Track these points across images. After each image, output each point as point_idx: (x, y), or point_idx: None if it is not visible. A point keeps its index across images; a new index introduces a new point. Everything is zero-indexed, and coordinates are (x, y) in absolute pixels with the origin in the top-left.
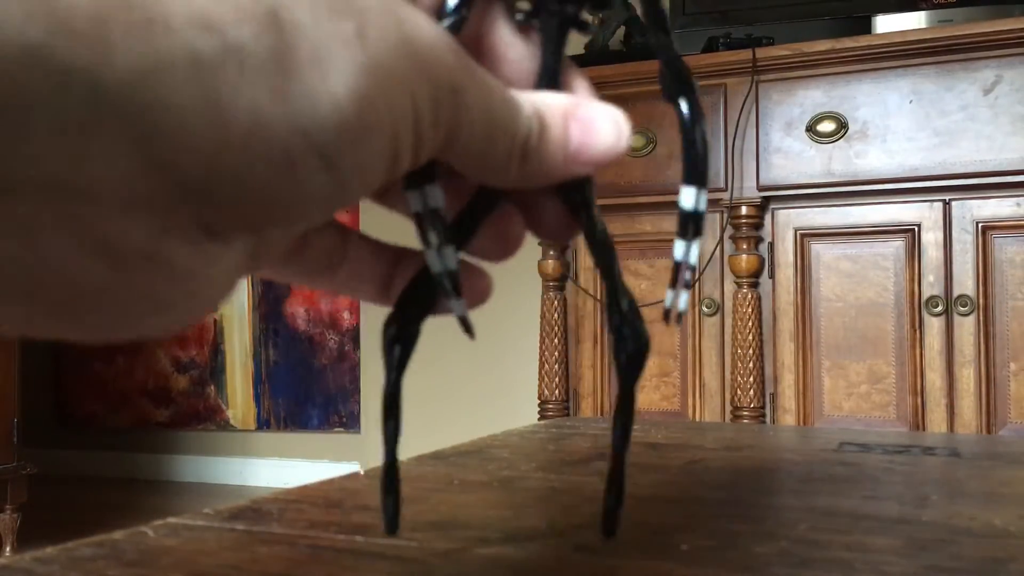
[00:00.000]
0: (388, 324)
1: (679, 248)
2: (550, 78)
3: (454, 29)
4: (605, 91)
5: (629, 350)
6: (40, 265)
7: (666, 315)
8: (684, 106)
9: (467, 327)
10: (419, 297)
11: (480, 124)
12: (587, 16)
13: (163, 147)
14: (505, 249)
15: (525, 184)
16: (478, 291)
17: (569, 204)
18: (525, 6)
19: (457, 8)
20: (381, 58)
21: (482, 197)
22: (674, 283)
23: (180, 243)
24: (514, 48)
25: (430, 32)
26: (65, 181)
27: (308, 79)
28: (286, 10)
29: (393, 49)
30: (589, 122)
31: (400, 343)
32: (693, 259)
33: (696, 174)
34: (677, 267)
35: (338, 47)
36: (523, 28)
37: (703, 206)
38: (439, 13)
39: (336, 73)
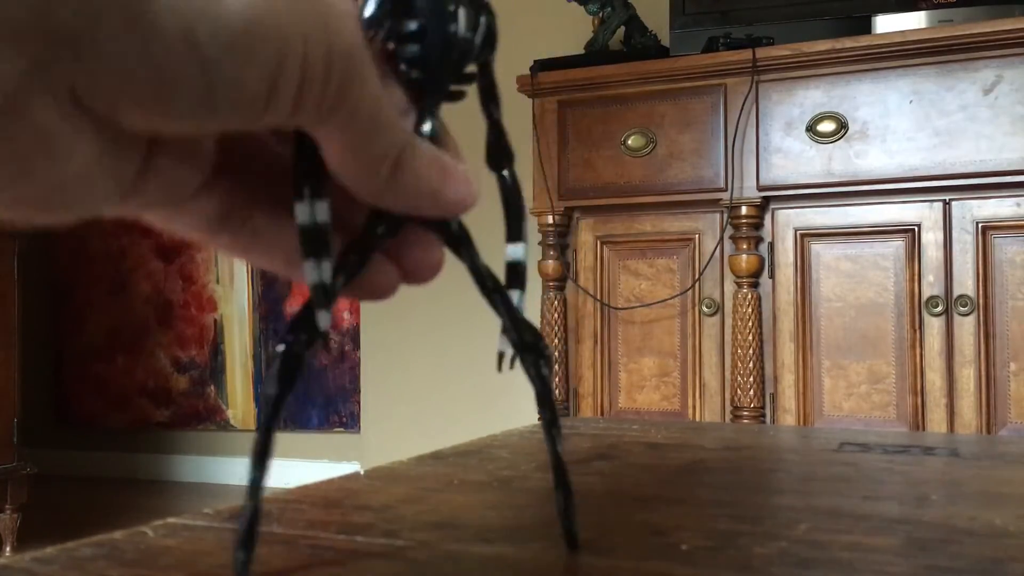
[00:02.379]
0: (279, 345)
1: (515, 296)
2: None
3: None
4: (605, 91)
5: (543, 364)
6: None
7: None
8: (507, 175)
9: (325, 341)
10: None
11: (367, 110)
12: (461, 88)
13: (47, 2)
14: (376, 293)
15: (389, 201)
16: (434, 261)
17: (450, 241)
18: (416, 75)
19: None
20: None
21: (365, 234)
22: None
23: (48, 103)
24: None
25: (344, 4)
26: None
27: None
28: None
29: None
30: (450, 172)
31: (285, 369)
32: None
33: (522, 232)
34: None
35: None
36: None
37: (525, 259)
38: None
39: None
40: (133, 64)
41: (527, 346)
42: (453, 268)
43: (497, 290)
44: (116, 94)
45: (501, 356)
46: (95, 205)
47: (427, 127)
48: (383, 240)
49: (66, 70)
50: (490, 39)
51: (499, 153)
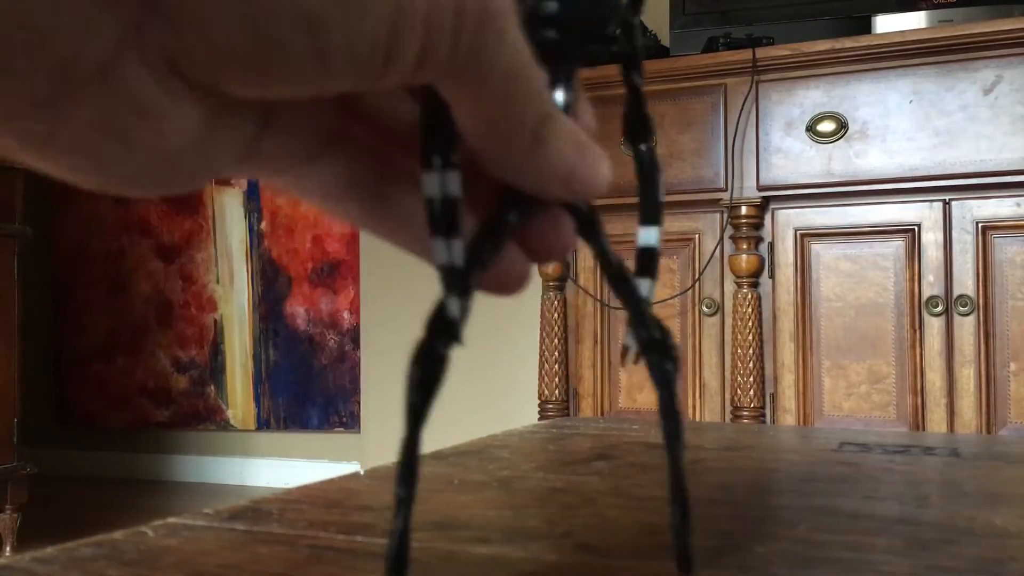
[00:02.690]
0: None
1: (645, 286)
2: (564, 110)
3: None
4: (605, 91)
5: (669, 365)
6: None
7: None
8: (645, 150)
9: (458, 334)
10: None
11: (505, 69)
12: (600, 52)
13: None
14: (508, 285)
15: (524, 177)
16: (561, 246)
17: (579, 224)
18: (553, 35)
19: None
20: None
21: (497, 219)
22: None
23: (142, 72)
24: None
25: None
26: None
27: None
28: None
29: None
30: (588, 151)
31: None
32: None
33: (658, 215)
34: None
35: None
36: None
37: (659, 244)
38: None
39: None
40: (232, 26)
41: (653, 344)
42: None
43: (627, 281)
44: (216, 60)
45: (625, 350)
46: (205, 175)
47: (561, 96)
48: (516, 225)
49: (160, 36)
50: None
51: (638, 125)
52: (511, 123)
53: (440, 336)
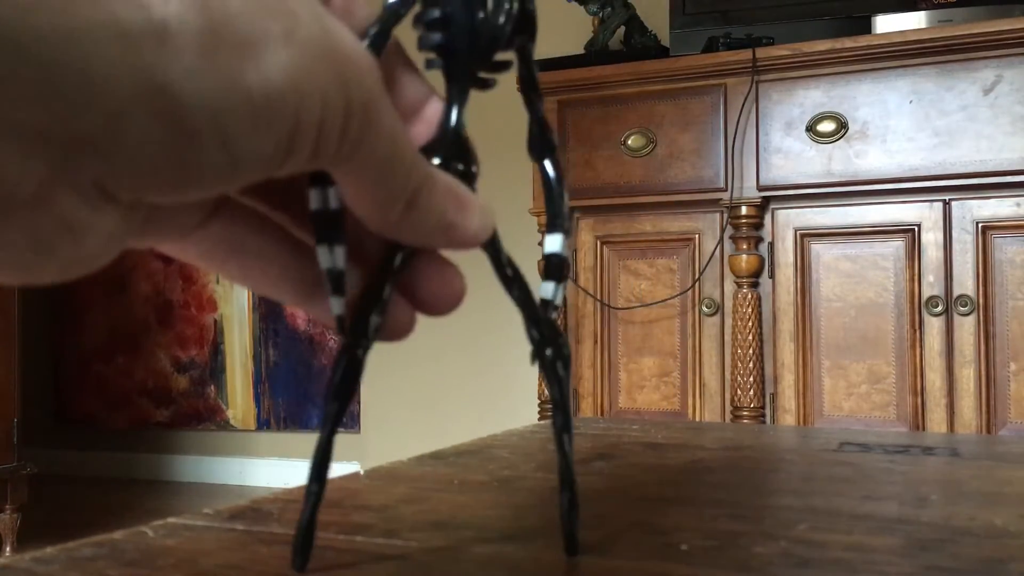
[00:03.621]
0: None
1: (549, 288)
2: (455, 132)
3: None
4: (605, 91)
5: (559, 364)
6: None
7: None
8: (549, 164)
9: (341, 326)
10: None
11: (383, 150)
12: (488, 76)
13: (72, 104)
14: (393, 332)
15: (403, 235)
16: (453, 292)
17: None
18: (432, 57)
19: (375, 37)
20: (301, 60)
21: (383, 268)
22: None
23: (72, 197)
24: (414, 90)
25: (354, 48)
26: None
27: (228, 65)
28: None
29: (315, 54)
30: (465, 205)
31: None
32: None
33: (561, 223)
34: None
35: (264, 41)
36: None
37: (563, 250)
38: (360, 35)
39: (255, 64)
40: (158, 155)
41: (544, 343)
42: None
43: (515, 281)
44: (142, 182)
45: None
46: (104, 261)
47: (453, 118)
48: (400, 273)
49: (90, 168)
50: (526, 24)
51: (541, 141)
52: (387, 194)
53: (361, 341)
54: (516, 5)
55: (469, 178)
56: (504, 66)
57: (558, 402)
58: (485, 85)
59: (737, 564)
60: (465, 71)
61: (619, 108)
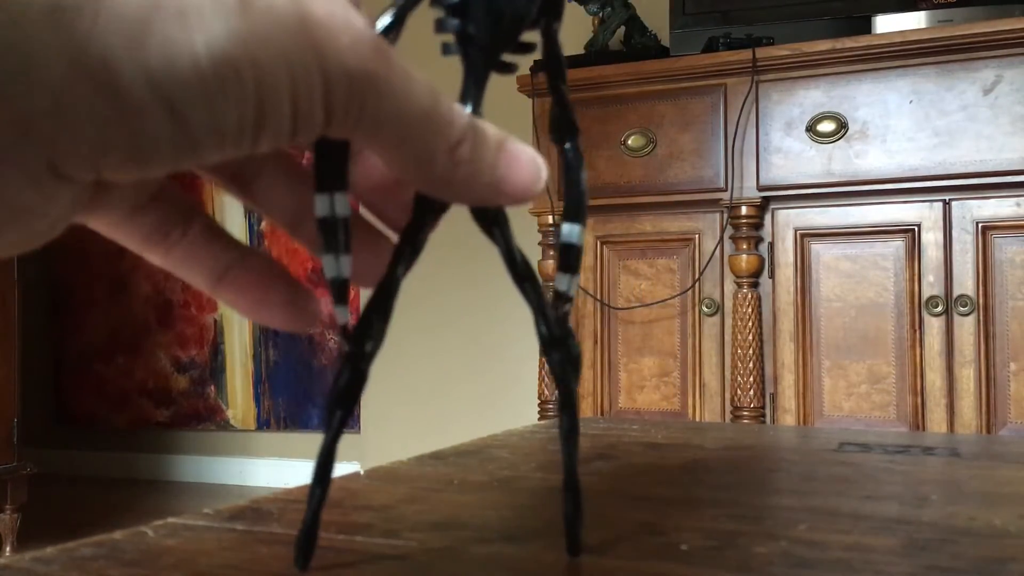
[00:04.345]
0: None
1: (564, 280)
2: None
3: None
4: (605, 91)
5: (564, 361)
6: None
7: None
8: (570, 149)
9: (346, 336)
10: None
11: (396, 110)
12: (510, 59)
13: (13, 84)
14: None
15: (452, 194)
16: (308, 314)
17: (486, 222)
18: (450, 40)
19: (395, 15)
20: (258, 29)
21: (416, 223)
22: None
23: (21, 181)
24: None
25: (332, 15)
26: None
27: (168, 33)
28: None
29: (277, 23)
30: (515, 157)
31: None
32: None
33: (579, 212)
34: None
35: (210, 9)
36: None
37: (580, 241)
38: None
39: (201, 33)
40: (107, 130)
41: (553, 342)
42: (454, 268)
43: (528, 278)
44: (95, 158)
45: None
46: (48, 237)
47: (469, 106)
48: (432, 227)
49: (40, 149)
50: (553, 5)
51: (563, 125)
52: (421, 157)
53: (365, 348)
54: None
55: None
56: (528, 48)
57: (565, 403)
58: (507, 69)
59: (737, 564)
60: (483, 59)
61: (619, 108)
